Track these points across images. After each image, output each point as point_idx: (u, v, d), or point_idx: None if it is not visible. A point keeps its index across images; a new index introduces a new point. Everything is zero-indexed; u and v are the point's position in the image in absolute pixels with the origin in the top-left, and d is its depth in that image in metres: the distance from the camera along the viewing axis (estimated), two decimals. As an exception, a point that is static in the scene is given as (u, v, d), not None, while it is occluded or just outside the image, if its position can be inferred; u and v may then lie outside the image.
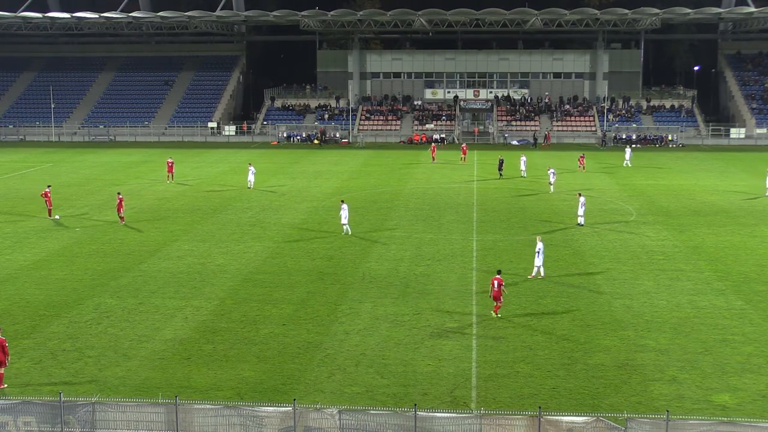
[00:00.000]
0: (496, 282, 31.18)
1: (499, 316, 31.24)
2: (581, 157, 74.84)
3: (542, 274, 36.68)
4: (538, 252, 36.43)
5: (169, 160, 68.72)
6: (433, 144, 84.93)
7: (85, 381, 25.30)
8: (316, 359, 27.11)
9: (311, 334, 29.52)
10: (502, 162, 69.77)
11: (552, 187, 61.33)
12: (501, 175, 68.97)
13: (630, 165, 76.86)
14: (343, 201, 46.39)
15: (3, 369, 24.78)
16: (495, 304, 31.39)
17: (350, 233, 45.43)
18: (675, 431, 19.75)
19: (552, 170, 62.67)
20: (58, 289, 35.36)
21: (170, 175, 67.08)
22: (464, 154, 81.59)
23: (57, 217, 50.64)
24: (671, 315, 31.68)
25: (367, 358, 27.19)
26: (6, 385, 24.69)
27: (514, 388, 24.78)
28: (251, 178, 63.41)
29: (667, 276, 37.42)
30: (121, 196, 49.60)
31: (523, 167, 70.09)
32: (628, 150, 79.92)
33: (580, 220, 48.41)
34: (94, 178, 69.77)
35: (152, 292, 34.90)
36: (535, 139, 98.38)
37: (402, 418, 20.33)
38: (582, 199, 48.68)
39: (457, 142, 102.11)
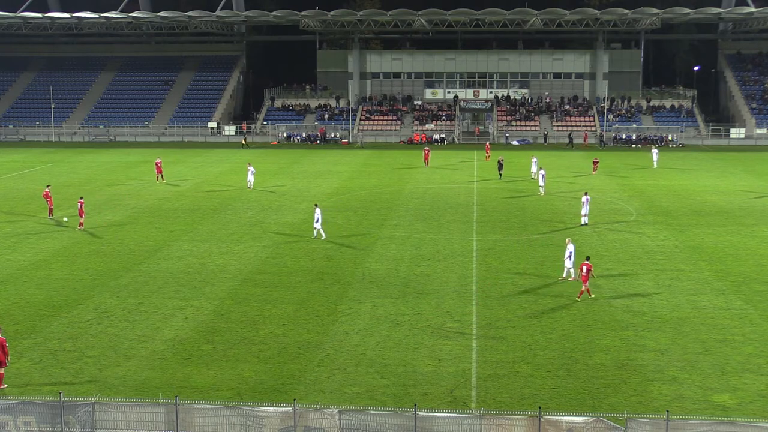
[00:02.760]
0: (585, 267, 33.37)
1: (594, 296, 33.56)
2: (595, 161, 73.71)
3: (573, 275, 36.30)
4: (570, 254, 36.12)
5: (158, 161, 68.90)
6: (426, 148, 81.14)
7: (85, 381, 25.31)
8: (316, 359, 27.12)
9: (311, 334, 29.53)
10: (502, 163, 68.76)
11: (542, 189, 59.83)
12: (500, 175, 68.10)
13: (656, 167, 76.13)
14: (316, 205, 45.90)
15: (3, 369, 24.79)
16: (581, 288, 33.57)
17: (323, 237, 44.72)
18: (675, 431, 19.76)
19: (542, 171, 61.19)
20: (58, 289, 35.38)
21: (159, 175, 67.21)
22: (488, 152, 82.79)
23: (65, 219, 49.97)
24: (671, 315, 31.69)
25: (367, 358, 27.20)
26: (6, 385, 24.70)
27: (514, 388, 24.79)
28: (251, 178, 63.38)
29: (667, 276, 37.43)
30: (82, 200, 48.56)
31: (534, 168, 68.23)
32: (654, 151, 78.73)
33: (584, 219, 48.41)
34: (93, 178, 69.79)
35: (152, 292, 34.91)
36: (571, 140, 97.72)
37: (402, 418, 20.33)
38: (586, 198, 48.57)
39: (457, 142, 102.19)
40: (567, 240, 37.31)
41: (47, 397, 22.66)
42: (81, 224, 47.87)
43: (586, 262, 33.79)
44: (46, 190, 51.88)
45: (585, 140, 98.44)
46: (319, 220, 44.69)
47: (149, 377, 25.67)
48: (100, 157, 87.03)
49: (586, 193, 49.67)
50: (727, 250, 42.51)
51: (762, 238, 45.41)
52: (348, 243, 44.17)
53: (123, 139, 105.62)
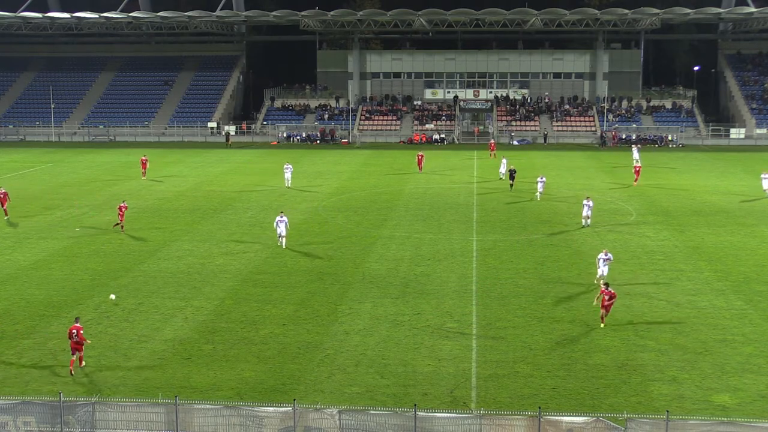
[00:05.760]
0: (606, 295, 30.16)
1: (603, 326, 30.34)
2: (637, 167, 66.49)
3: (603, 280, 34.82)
4: (607, 261, 35.37)
5: (143, 158, 70.07)
6: (419, 153, 75.25)
7: (86, 381, 25.30)
8: (316, 359, 27.12)
9: (311, 335, 29.54)
10: (514, 172, 62.90)
11: (539, 195, 57.89)
12: (512, 186, 62.11)
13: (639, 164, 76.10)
14: (282, 212, 44.30)
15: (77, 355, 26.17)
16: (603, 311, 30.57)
17: (284, 246, 42.76)
18: (675, 431, 19.76)
19: (542, 179, 58.79)
20: (58, 289, 35.38)
21: (144, 171, 68.51)
22: (492, 150, 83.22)
23: (112, 296, 38.24)
24: (671, 315, 31.70)
25: (367, 358, 27.20)
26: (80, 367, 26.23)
27: (514, 388, 24.79)
28: (288, 176, 63.40)
29: (666, 276, 37.43)
30: (123, 204, 47.86)
31: (502, 169, 67.02)
32: (635, 149, 79.38)
33: (586, 222, 47.78)
34: (93, 178, 69.77)
35: (152, 292, 34.91)
36: (603, 139, 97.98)
37: (402, 418, 20.34)
38: (590, 202, 47.76)
39: (457, 142, 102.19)
40: (604, 250, 36.33)
41: (47, 397, 22.67)
42: (122, 227, 47.04)
43: (606, 289, 30.52)
44: (3, 190, 51.94)
45: (614, 139, 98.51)
46: (285, 228, 42.90)
47: (149, 377, 25.68)
48: (100, 157, 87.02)
49: (588, 198, 49.00)
50: (727, 250, 42.51)
51: (762, 238, 45.40)
52: (348, 243, 44.17)
53: (123, 139, 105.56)
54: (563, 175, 70.37)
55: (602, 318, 30.44)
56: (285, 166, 64.45)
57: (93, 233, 46.82)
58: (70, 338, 26.26)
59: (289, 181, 63.57)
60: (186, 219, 51.12)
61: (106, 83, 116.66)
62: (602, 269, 35.57)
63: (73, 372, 25.89)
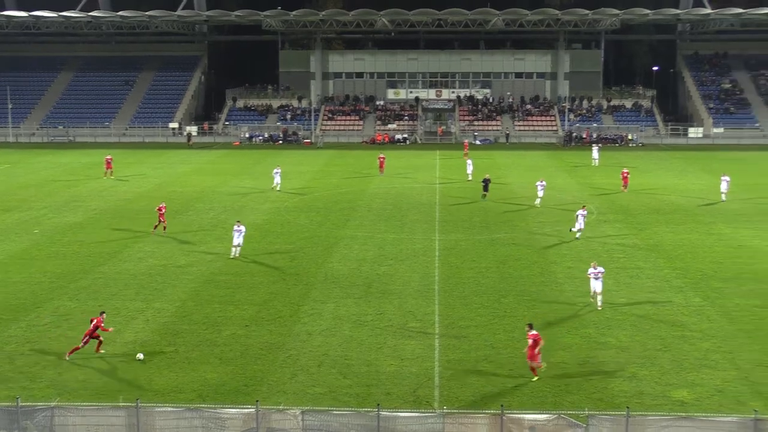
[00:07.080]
0: (531, 339, 25.51)
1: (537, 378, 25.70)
2: (625, 173, 63.10)
3: (599, 304, 32.59)
4: (598, 275, 32.46)
5: (108, 157, 70.80)
6: (381, 156, 73.53)
7: (44, 385, 24.96)
8: (279, 360, 27.04)
9: (274, 335, 29.43)
10: (488, 182, 58.97)
11: (539, 200, 54.99)
12: (485, 196, 58.13)
13: (597, 164, 77.13)
14: (239, 221, 42.31)
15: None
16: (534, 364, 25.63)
17: (237, 256, 40.62)
18: (635, 427, 20.03)
19: (541, 182, 55.88)
20: (15, 292, 34.85)
21: (108, 171, 69.35)
22: (466, 150, 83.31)
23: (140, 356, 31.20)
24: (631, 312, 32.07)
25: (330, 358, 27.18)
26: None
27: (476, 386, 24.91)
28: (277, 179, 62.38)
29: (627, 274, 37.86)
30: (162, 205, 47.09)
31: (469, 170, 66.98)
32: (594, 149, 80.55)
33: (577, 234, 44.87)
34: (52, 180, 68.80)
35: (112, 295, 34.54)
36: (567, 138, 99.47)
37: (365, 418, 20.36)
38: (584, 211, 45.46)
39: (419, 142, 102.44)
40: (592, 264, 33.18)
41: (4, 402, 22.31)
42: (164, 228, 46.46)
43: (531, 332, 25.79)
44: None
45: (586, 137, 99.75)
46: (241, 238, 40.90)
47: (109, 380, 25.40)
48: (59, 158, 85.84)
49: (583, 207, 46.81)
50: (686, 248, 43.12)
51: (719, 236, 46.12)
52: (310, 243, 44.07)
53: (83, 139, 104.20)
54: (525, 175, 70.79)
55: (533, 370, 25.46)
56: (275, 170, 63.27)
57: (51, 235, 46.16)
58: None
59: (278, 185, 62.24)
60: (147, 220, 50.50)
61: (66, 83, 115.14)
62: (594, 285, 32.61)
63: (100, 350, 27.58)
